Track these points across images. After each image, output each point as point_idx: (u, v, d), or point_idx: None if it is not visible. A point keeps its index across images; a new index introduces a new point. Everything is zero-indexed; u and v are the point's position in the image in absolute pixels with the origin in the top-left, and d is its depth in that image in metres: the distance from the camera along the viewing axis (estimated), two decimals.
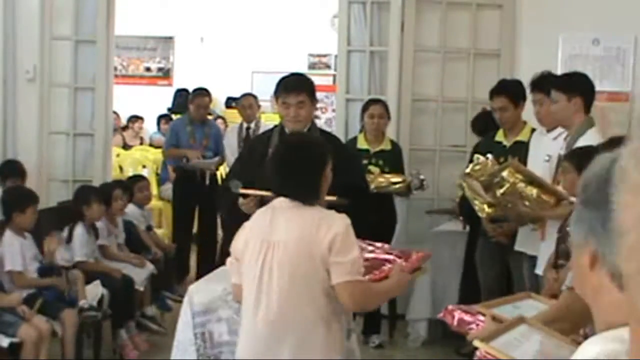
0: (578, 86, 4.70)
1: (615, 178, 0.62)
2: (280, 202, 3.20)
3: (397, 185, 6.06)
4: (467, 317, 2.83)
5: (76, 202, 5.94)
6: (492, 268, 5.55)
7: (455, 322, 2.86)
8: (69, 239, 5.75)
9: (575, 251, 1.41)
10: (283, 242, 3.11)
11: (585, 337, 2.15)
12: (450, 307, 2.96)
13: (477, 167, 4.95)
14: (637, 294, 0.58)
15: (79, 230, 5.79)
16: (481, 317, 2.79)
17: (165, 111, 11.85)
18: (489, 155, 5.02)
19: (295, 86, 4.42)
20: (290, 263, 3.08)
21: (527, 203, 4.61)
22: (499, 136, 5.61)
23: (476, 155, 5.17)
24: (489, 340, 2.39)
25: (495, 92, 5.60)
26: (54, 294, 5.26)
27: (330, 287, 3.08)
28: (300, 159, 3.23)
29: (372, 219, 5.64)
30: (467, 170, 5.04)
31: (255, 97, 8.47)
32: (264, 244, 3.13)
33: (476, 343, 2.40)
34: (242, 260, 3.20)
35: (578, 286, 1.38)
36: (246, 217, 4.43)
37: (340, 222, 3.09)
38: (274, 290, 3.10)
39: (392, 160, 6.18)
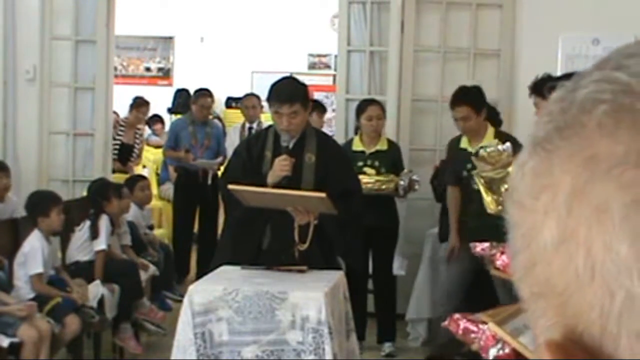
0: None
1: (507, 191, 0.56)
2: None
3: (384, 186, 5.98)
4: (472, 327, 2.81)
5: (96, 195, 5.90)
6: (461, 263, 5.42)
7: (460, 331, 2.85)
8: (95, 234, 5.69)
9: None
10: None
11: None
12: (456, 315, 2.94)
13: (494, 153, 4.80)
14: (532, 319, 0.52)
15: (105, 220, 5.75)
16: (485, 327, 2.78)
17: (164, 111, 11.84)
18: (508, 144, 4.86)
19: (287, 98, 4.39)
20: None
21: None
22: (464, 143, 5.55)
23: (495, 140, 5.09)
24: (502, 324, 2.44)
25: (456, 102, 5.49)
26: (68, 301, 5.25)
27: None
28: None
29: (372, 222, 5.65)
30: (482, 153, 4.86)
31: (258, 97, 8.46)
32: None
33: (490, 325, 2.43)
34: None
35: None
36: (255, 226, 4.45)
37: None
38: None
39: (389, 160, 6.08)
